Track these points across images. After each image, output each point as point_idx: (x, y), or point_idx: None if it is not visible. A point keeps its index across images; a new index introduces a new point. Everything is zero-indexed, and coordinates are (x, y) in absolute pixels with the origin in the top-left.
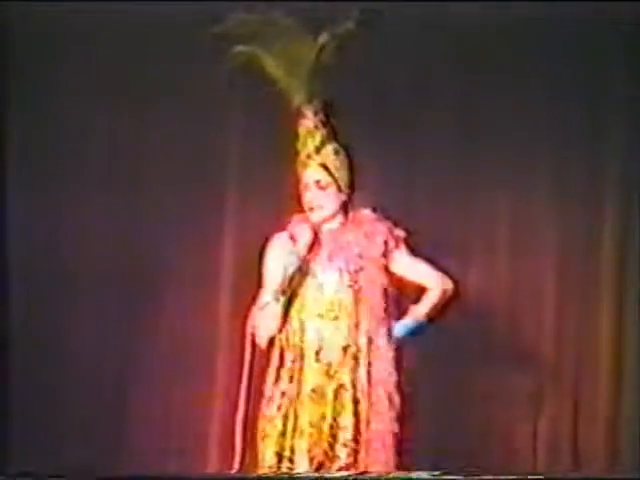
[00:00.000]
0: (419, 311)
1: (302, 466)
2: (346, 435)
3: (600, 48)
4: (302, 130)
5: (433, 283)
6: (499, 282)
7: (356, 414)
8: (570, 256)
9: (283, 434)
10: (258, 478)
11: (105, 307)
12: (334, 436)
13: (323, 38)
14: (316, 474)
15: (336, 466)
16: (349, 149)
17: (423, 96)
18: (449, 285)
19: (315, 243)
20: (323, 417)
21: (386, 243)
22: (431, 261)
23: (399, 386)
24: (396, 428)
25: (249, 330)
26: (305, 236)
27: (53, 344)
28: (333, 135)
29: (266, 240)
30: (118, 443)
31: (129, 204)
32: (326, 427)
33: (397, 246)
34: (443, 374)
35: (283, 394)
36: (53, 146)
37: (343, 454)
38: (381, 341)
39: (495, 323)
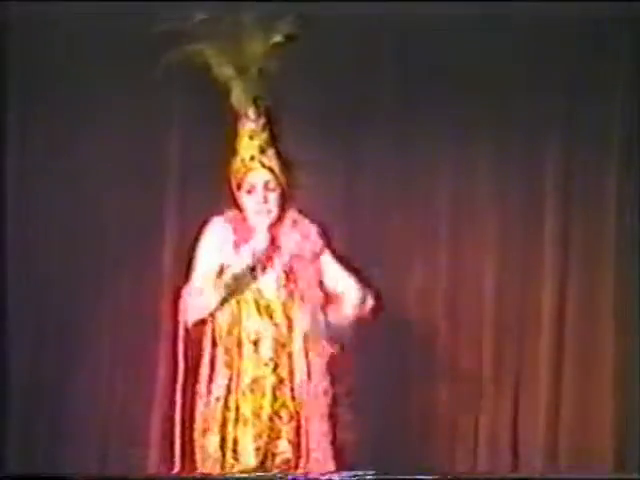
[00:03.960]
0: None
1: (247, 456)
2: (288, 430)
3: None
4: (245, 131)
5: (352, 294)
6: (439, 285)
7: (295, 410)
8: (510, 256)
9: (224, 425)
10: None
11: (43, 303)
12: (277, 430)
13: (276, 38)
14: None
15: (279, 460)
16: (289, 154)
17: (364, 101)
18: (369, 300)
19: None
20: (261, 408)
21: (320, 243)
22: (372, 265)
23: (335, 386)
24: (333, 426)
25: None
26: (263, 240)
27: None
28: (275, 139)
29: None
30: (56, 443)
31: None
32: (265, 418)
33: (322, 252)
34: (384, 373)
35: (220, 385)
36: None
37: (286, 449)
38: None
39: (436, 324)
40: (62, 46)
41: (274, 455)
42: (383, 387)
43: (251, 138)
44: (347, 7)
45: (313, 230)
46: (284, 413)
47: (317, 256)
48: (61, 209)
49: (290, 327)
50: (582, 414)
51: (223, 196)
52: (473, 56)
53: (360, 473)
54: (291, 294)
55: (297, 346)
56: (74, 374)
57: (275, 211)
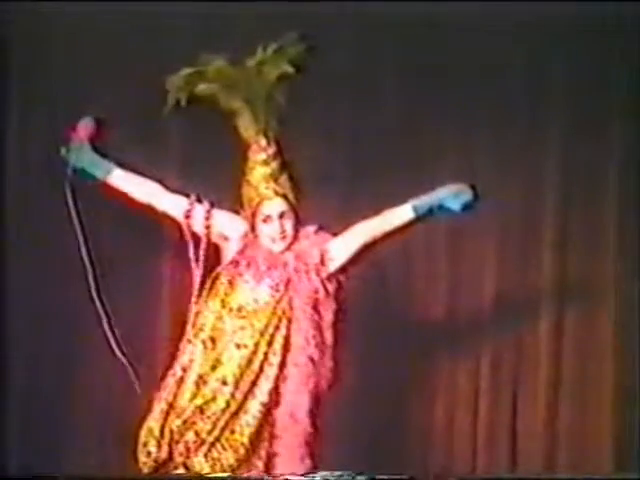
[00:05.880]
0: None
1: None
2: (207, 424)
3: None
4: (256, 160)
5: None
6: (437, 290)
7: (227, 409)
8: (510, 258)
9: (167, 411)
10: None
11: (43, 302)
12: (191, 422)
13: (285, 68)
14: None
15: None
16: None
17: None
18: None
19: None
20: (193, 402)
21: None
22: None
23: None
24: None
25: None
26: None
27: None
28: (286, 164)
29: None
30: (56, 443)
31: None
32: (189, 412)
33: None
34: (380, 373)
35: (176, 371)
36: None
37: (191, 440)
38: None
39: (434, 328)
40: (62, 46)
41: (178, 442)
42: (382, 388)
43: (262, 166)
44: None
45: (315, 242)
46: (209, 409)
47: (317, 268)
48: (61, 208)
49: (261, 335)
50: (581, 415)
51: None
52: (472, 57)
53: (358, 473)
54: (277, 302)
55: (261, 355)
56: (74, 374)
57: (290, 235)
